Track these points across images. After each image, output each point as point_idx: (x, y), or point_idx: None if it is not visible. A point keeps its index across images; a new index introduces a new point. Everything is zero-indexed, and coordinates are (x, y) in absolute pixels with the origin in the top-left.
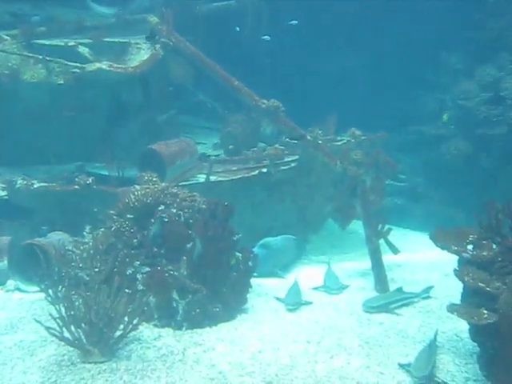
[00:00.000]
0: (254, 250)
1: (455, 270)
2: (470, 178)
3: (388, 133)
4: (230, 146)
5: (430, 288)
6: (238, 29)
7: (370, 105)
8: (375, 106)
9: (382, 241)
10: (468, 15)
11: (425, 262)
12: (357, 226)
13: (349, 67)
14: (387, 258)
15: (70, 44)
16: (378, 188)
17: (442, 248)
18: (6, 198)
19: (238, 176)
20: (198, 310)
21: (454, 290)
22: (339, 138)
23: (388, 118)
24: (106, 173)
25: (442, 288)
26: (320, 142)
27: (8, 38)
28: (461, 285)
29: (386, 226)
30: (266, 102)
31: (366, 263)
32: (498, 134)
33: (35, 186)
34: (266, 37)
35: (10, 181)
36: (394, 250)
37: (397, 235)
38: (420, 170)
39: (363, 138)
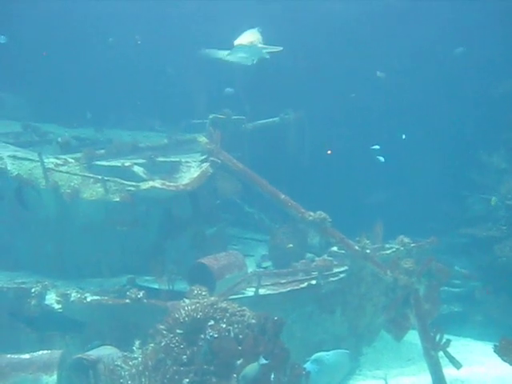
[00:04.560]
0: (305, 366)
1: None
2: None
3: (436, 236)
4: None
5: None
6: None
7: (415, 208)
8: (421, 209)
9: (441, 353)
10: (503, 116)
11: (492, 376)
12: (413, 337)
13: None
14: (449, 372)
15: (126, 164)
16: (433, 296)
17: (511, 363)
18: (60, 311)
19: (287, 289)
20: None
21: None
22: (388, 246)
23: (435, 221)
24: (157, 286)
25: None
26: (368, 251)
27: (72, 160)
28: None
29: (445, 337)
30: (312, 214)
31: (426, 378)
32: None
33: (88, 300)
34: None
35: (65, 294)
36: (456, 364)
37: (457, 346)
38: (475, 273)
39: (412, 245)
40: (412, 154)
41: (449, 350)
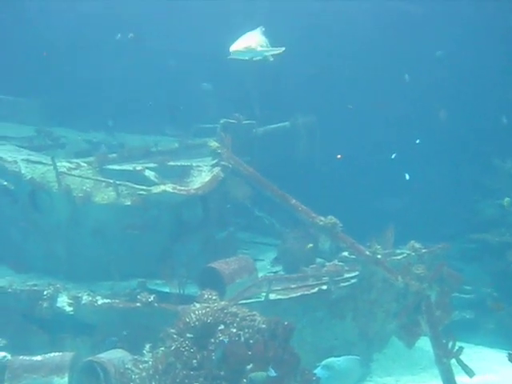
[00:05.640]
0: (315, 371)
1: None
2: None
3: (447, 242)
4: None
5: None
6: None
7: (426, 213)
8: (432, 214)
9: (454, 360)
10: None
11: None
12: (424, 343)
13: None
14: (462, 380)
15: (137, 168)
16: (444, 302)
17: None
18: (71, 313)
19: (298, 294)
20: None
21: None
22: (399, 252)
23: (445, 226)
24: (167, 290)
25: None
26: (379, 256)
27: (85, 164)
28: None
29: (457, 344)
30: (323, 219)
31: None
32: None
33: (99, 303)
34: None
35: (76, 297)
36: (469, 372)
37: (469, 353)
38: (487, 279)
39: (423, 250)
40: (423, 158)
41: (461, 357)
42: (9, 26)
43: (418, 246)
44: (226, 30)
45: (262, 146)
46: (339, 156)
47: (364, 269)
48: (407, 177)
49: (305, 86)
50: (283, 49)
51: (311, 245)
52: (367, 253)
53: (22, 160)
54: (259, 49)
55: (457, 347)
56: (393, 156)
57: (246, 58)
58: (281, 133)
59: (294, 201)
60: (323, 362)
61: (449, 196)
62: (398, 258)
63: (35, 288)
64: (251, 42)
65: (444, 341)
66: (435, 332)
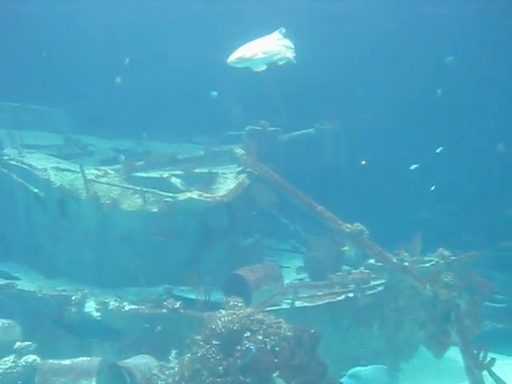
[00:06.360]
0: (342, 380)
1: None
2: None
3: (477, 249)
4: None
5: None
6: None
7: (454, 219)
8: (460, 220)
9: (485, 372)
10: None
11: None
12: (454, 353)
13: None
14: None
15: (164, 175)
16: (474, 312)
17: None
18: (99, 318)
19: (324, 301)
20: None
21: None
22: (427, 259)
23: (475, 233)
24: (193, 296)
25: None
26: (406, 264)
27: (112, 172)
28: None
29: (488, 355)
30: (349, 226)
31: None
32: None
33: (126, 309)
34: None
35: (104, 302)
36: None
37: (501, 365)
38: None
39: (452, 258)
40: (453, 165)
41: (493, 368)
42: (37, 36)
43: (446, 253)
44: (249, 34)
45: (287, 153)
46: (363, 162)
47: (391, 276)
48: (433, 187)
49: (333, 93)
50: (288, 52)
51: (346, 248)
52: (394, 260)
53: (52, 168)
54: (259, 56)
55: (488, 358)
56: (412, 167)
57: (244, 67)
58: (306, 139)
59: (320, 207)
60: (350, 371)
61: (480, 202)
62: (427, 265)
63: (64, 293)
64: (246, 51)
65: (475, 351)
66: (465, 342)
